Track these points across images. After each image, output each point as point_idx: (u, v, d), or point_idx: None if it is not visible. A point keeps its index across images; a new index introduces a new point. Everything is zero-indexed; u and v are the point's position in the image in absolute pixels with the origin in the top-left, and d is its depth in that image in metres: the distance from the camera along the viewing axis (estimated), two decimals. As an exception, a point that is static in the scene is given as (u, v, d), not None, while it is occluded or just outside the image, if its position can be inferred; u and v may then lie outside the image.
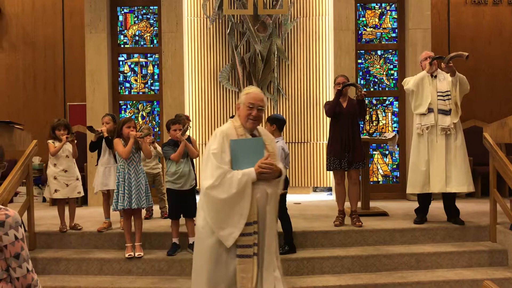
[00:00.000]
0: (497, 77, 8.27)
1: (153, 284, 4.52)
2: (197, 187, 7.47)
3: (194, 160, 5.53)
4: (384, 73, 7.55)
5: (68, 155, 5.31)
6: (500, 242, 5.00)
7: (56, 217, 5.41)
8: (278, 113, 7.41)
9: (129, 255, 4.75)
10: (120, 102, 7.53)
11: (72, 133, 5.36)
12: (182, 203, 4.92)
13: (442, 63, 5.16)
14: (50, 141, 5.28)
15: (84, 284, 4.53)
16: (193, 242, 4.85)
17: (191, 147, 4.97)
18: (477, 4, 8.24)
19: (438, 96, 5.22)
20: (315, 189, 8.16)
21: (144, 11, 7.58)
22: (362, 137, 5.59)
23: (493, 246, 4.97)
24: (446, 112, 5.18)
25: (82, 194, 5.53)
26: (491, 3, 8.24)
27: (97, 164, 5.56)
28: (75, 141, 5.38)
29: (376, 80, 7.54)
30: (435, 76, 5.31)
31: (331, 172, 5.93)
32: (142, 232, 4.95)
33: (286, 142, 5.91)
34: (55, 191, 5.25)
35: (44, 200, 7.70)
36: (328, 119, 5.65)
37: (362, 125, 7.46)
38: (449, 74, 5.21)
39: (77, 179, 5.38)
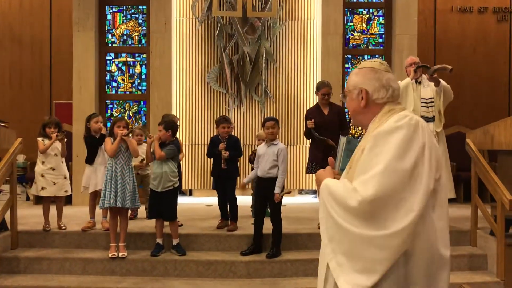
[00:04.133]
0: (482, 84, 8.40)
1: (136, 284, 4.51)
2: (183, 189, 7.52)
3: (180, 162, 5.49)
4: (371, 78, 7.61)
5: (56, 153, 5.27)
6: (480, 247, 5.08)
7: (39, 216, 5.38)
8: (266, 115, 7.45)
9: (112, 255, 4.73)
10: (107, 101, 7.51)
11: (62, 131, 5.33)
12: (158, 204, 4.88)
13: (426, 75, 5.20)
14: (39, 139, 5.24)
15: (67, 284, 4.50)
16: (177, 244, 4.87)
17: (157, 149, 4.81)
18: (462, 12, 8.37)
19: (421, 103, 5.27)
20: (300, 192, 8.21)
21: (132, 10, 7.57)
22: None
23: (473, 250, 5.05)
24: (429, 119, 5.21)
25: (70, 193, 5.49)
26: (476, 11, 8.37)
27: (90, 163, 5.38)
28: (65, 140, 5.36)
29: (362, 84, 7.60)
30: (420, 82, 5.35)
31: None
32: (127, 232, 4.94)
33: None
34: (42, 188, 5.21)
35: (27, 198, 7.64)
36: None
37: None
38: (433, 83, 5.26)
39: (65, 177, 5.34)
